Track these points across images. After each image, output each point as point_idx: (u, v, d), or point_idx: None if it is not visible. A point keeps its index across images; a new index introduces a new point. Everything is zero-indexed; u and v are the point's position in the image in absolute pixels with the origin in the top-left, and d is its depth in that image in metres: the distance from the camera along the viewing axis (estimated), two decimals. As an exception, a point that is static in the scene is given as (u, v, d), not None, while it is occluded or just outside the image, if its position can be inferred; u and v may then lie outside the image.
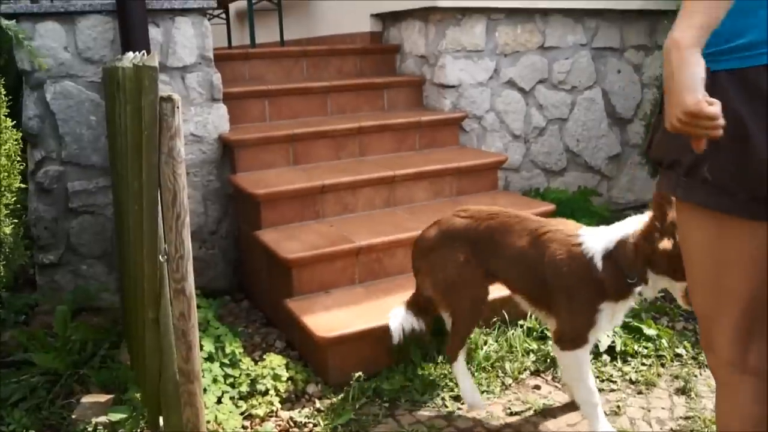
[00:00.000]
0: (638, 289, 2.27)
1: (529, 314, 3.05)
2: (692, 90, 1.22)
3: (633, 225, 2.26)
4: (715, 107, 1.23)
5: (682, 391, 2.72)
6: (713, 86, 1.33)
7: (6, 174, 2.56)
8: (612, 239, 2.27)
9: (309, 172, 3.60)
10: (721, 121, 1.24)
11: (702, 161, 1.40)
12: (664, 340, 3.01)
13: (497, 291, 2.66)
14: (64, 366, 2.77)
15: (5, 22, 2.90)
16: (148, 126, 1.77)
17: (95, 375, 2.75)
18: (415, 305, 2.73)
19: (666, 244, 2.12)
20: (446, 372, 2.79)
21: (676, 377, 2.81)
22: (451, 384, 2.74)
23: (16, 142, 2.68)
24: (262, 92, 3.97)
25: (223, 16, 7.82)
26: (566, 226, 2.44)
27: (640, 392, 2.73)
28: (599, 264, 2.26)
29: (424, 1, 4.15)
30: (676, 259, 2.05)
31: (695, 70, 1.23)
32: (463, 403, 2.63)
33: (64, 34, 3.31)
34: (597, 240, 2.29)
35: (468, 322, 2.57)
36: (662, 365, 2.90)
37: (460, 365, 2.59)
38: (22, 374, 2.73)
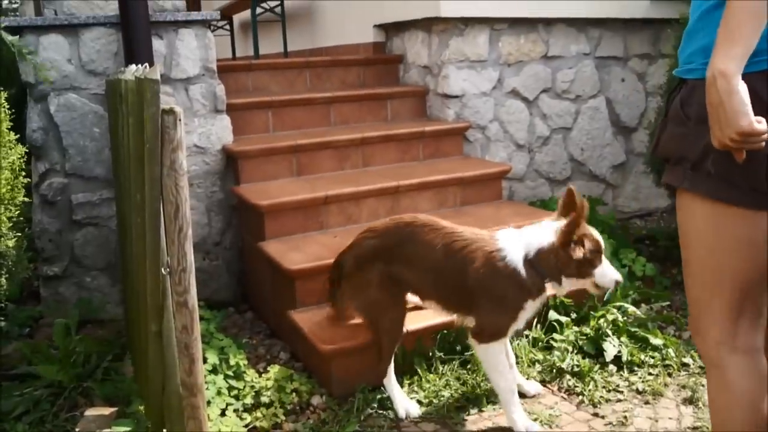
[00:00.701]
0: (550, 285, 2.46)
1: (534, 324, 3.04)
2: (745, 114, 1.37)
3: (547, 233, 2.43)
4: (763, 125, 1.38)
5: (690, 401, 2.69)
6: None
7: (9, 188, 2.56)
8: (531, 247, 2.43)
9: (312, 183, 3.60)
10: (767, 135, 1.39)
11: (706, 157, 1.55)
12: (670, 350, 2.98)
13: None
14: (68, 379, 2.76)
15: (9, 38, 2.91)
16: (150, 139, 1.77)
17: (99, 388, 2.74)
18: None
19: (579, 253, 2.36)
20: (450, 382, 2.78)
21: (684, 387, 2.78)
22: (456, 395, 2.72)
23: (20, 156, 2.68)
24: (265, 103, 3.97)
25: (227, 27, 7.87)
26: (484, 237, 2.54)
27: (647, 402, 2.70)
28: (522, 272, 2.42)
29: (427, 11, 4.16)
30: (584, 264, 2.39)
31: (743, 96, 1.37)
32: (468, 414, 2.62)
33: (67, 47, 3.32)
34: (516, 249, 2.45)
35: (391, 340, 2.67)
36: (669, 375, 2.88)
37: (391, 379, 2.69)
38: (26, 387, 2.73)
